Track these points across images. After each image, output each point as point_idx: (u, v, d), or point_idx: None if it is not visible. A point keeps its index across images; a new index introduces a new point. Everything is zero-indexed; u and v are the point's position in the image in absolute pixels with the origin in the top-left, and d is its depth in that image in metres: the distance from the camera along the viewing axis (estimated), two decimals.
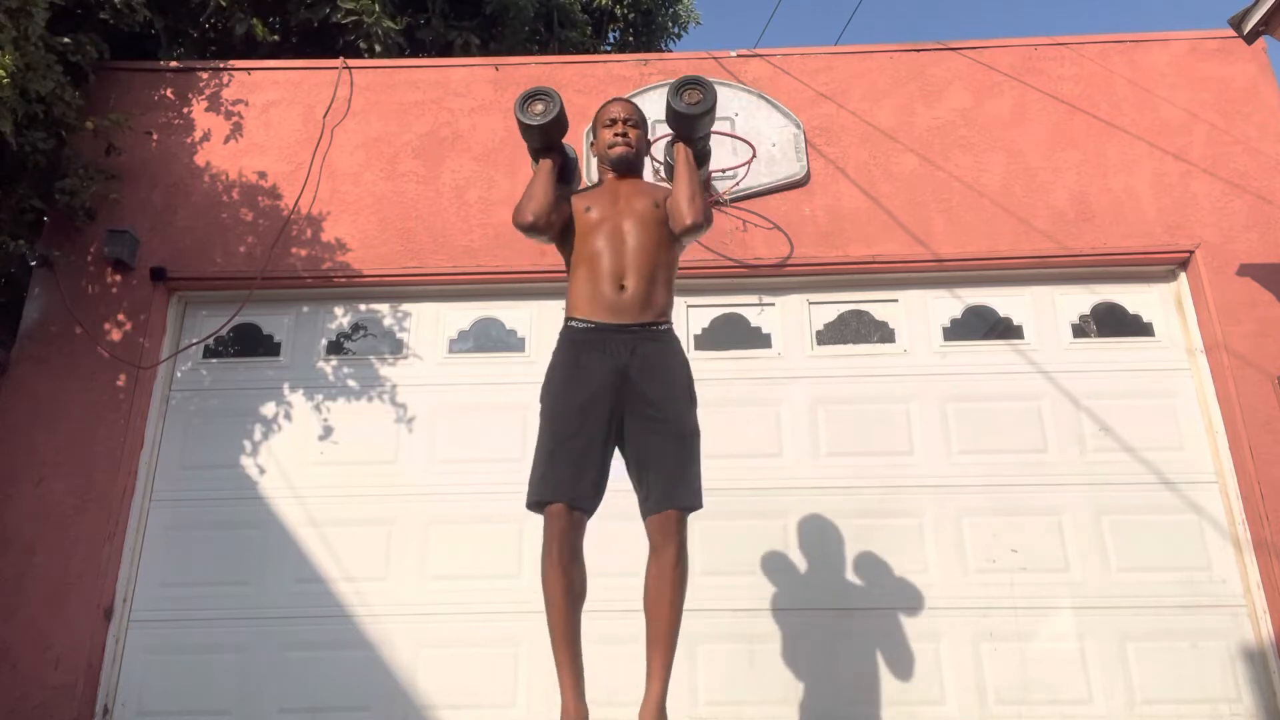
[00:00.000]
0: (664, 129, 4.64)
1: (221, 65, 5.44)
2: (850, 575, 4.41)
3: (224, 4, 6.18)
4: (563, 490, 2.75)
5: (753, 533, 4.48)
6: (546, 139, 3.05)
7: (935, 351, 4.84)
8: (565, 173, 3.10)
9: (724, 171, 4.96)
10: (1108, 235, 4.85)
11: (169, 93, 5.33)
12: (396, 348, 4.97)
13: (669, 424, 2.82)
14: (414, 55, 7.08)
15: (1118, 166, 4.99)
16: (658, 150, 3.82)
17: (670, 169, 3.07)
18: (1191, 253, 4.77)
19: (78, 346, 4.73)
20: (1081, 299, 4.92)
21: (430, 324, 5.00)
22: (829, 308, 4.98)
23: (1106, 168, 4.99)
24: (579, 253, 2.98)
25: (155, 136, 5.21)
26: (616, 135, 3.12)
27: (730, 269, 4.89)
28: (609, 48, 9.37)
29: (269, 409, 4.80)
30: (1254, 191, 4.86)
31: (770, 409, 4.75)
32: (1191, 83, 5.16)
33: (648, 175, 3.61)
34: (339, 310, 5.02)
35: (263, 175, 5.13)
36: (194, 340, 4.93)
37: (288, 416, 4.80)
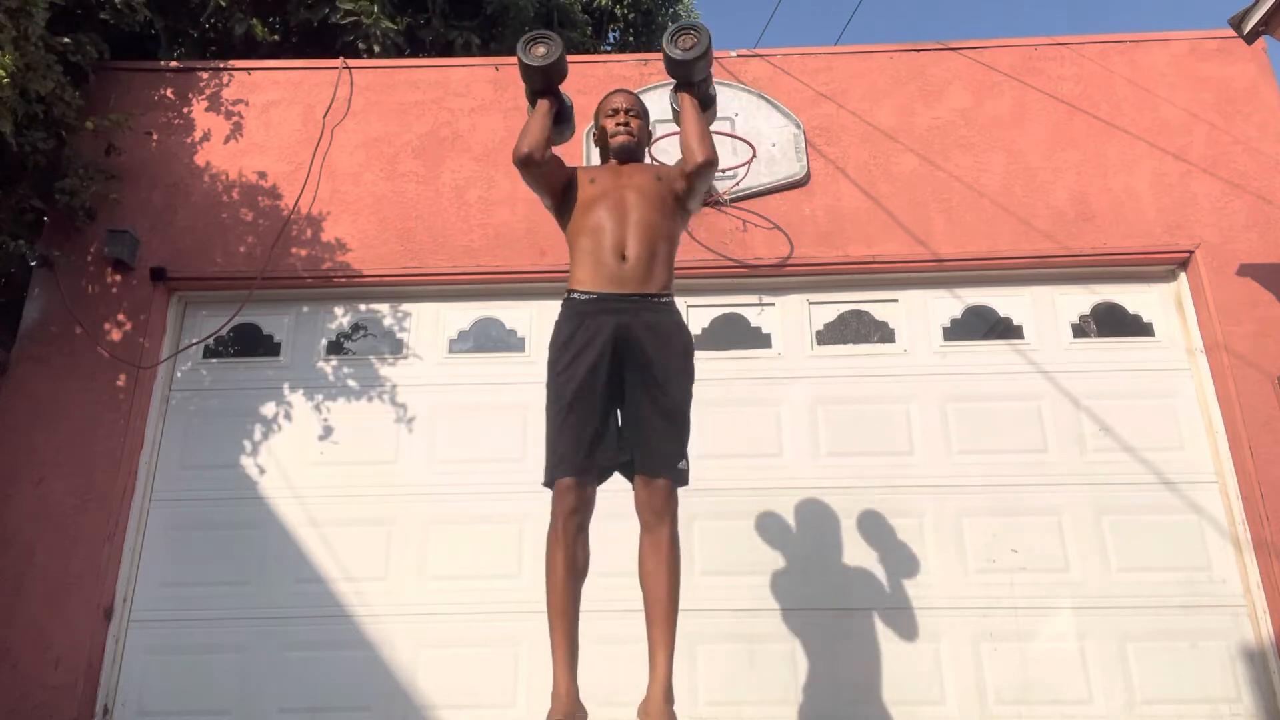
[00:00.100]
0: (664, 129, 4.67)
1: (221, 65, 5.44)
2: (850, 575, 4.41)
3: (224, 4, 6.18)
4: (571, 465, 2.76)
5: (753, 533, 4.48)
6: (546, 81, 3.08)
7: (935, 351, 4.84)
8: (561, 117, 3.13)
9: (724, 171, 4.95)
10: (1108, 235, 4.85)
11: (169, 93, 5.33)
12: (396, 348, 4.97)
13: (667, 393, 2.85)
14: (414, 55, 7.08)
15: (1118, 166, 4.99)
16: (661, 156, 3.83)
17: (677, 115, 3.11)
18: (1191, 253, 4.77)
19: (78, 346, 4.73)
20: (1081, 299, 4.92)
21: (430, 324, 5.00)
22: (829, 308, 4.98)
23: (1106, 168, 4.99)
24: (581, 224, 2.99)
25: (155, 136, 5.21)
26: (619, 124, 3.16)
27: (730, 269, 4.89)
28: (609, 48, 9.37)
29: (269, 409, 4.80)
30: (1254, 191, 4.86)
31: (770, 409, 4.75)
32: (1191, 83, 5.16)
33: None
34: (339, 310, 5.02)
35: (263, 175, 5.13)
36: (194, 340, 4.93)
37: (288, 416, 4.80)
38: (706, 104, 3.12)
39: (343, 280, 4.94)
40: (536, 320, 4.95)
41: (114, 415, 4.60)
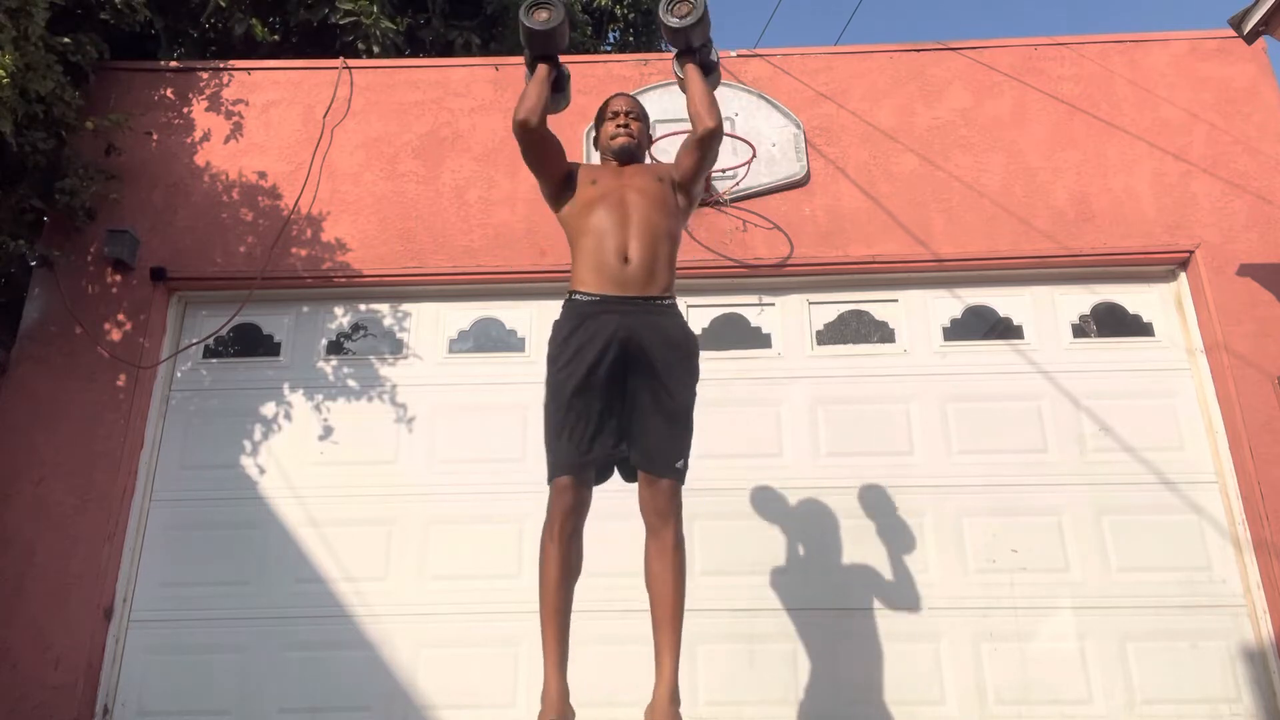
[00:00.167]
0: (664, 128, 4.67)
1: (221, 65, 5.44)
2: (850, 575, 4.41)
3: (224, 4, 6.18)
4: (568, 464, 2.76)
5: (753, 533, 4.48)
6: (545, 46, 3.09)
7: (935, 351, 4.84)
8: (558, 85, 3.15)
9: (724, 171, 4.96)
10: (1108, 235, 4.85)
11: (169, 93, 5.33)
12: (396, 348, 4.97)
13: (671, 395, 2.85)
14: (414, 55, 7.07)
15: (1118, 166, 4.99)
16: (661, 155, 3.83)
17: (682, 83, 3.12)
18: (1191, 253, 4.77)
19: (78, 346, 4.73)
20: (1081, 299, 4.92)
21: (430, 324, 5.00)
22: (829, 308, 4.98)
23: (1106, 168, 4.99)
24: (583, 225, 2.99)
25: (155, 136, 5.21)
26: (619, 127, 3.17)
27: (730, 269, 4.89)
28: (609, 48, 9.38)
29: (269, 409, 4.80)
30: (1254, 191, 4.86)
31: (770, 409, 4.75)
32: (1191, 83, 5.16)
33: None
34: (339, 310, 5.02)
35: (263, 175, 5.13)
36: (194, 340, 4.93)
37: (288, 416, 4.80)
38: (709, 69, 3.12)
39: (343, 280, 4.94)
40: (536, 320, 4.95)
41: (114, 415, 4.60)
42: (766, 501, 4.53)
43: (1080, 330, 4.88)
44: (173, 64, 5.60)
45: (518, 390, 4.73)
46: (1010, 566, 4.40)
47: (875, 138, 5.14)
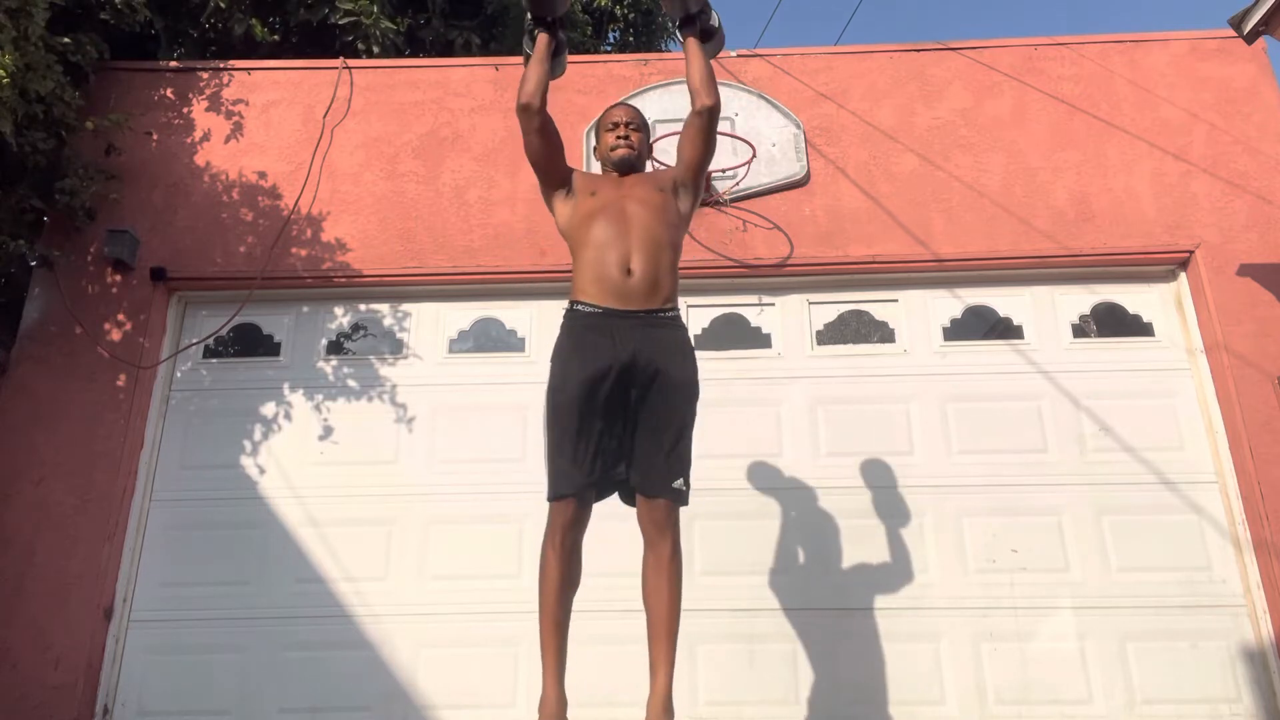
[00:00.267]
0: (664, 128, 4.67)
1: (221, 65, 5.44)
2: (850, 575, 4.41)
3: (223, 4, 6.18)
4: (568, 483, 2.76)
5: (753, 533, 4.48)
6: (547, 6, 3.09)
7: (935, 351, 4.84)
8: (555, 52, 3.16)
9: (724, 171, 4.96)
10: (1108, 235, 4.85)
11: (169, 93, 5.33)
12: (396, 348, 4.97)
13: (669, 413, 2.84)
14: (414, 55, 7.07)
15: (1118, 166, 4.99)
16: (661, 155, 3.82)
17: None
18: (1191, 253, 4.77)
19: (78, 346, 4.73)
20: (1081, 299, 4.92)
21: (430, 324, 5.00)
22: (829, 308, 4.98)
23: (1106, 168, 4.99)
24: (583, 235, 2.98)
25: (155, 136, 5.21)
26: (619, 138, 3.16)
27: (730, 269, 4.89)
28: (609, 48, 9.38)
29: (269, 409, 4.80)
30: (1254, 191, 4.86)
31: (770, 409, 4.75)
32: (1191, 83, 5.16)
33: None
34: (339, 310, 5.02)
35: (263, 175, 5.13)
36: (194, 340, 4.93)
37: (288, 416, 4.80)
38: (709, 35, 3.13)
39: (343, 280, 4.94)
40: (536, 320, 4.95)
41: (114, 415, 4.60)
42: (766, 501, 4.53)
43: (1080, 330, 4.88)
44: (173, 64, 5.60)
45: (518, 390, 4.73)
46: (1010, 566, 4.40)
47: (875, 138, 5.14)
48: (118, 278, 4.88)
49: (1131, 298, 4.92)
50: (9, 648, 4.22)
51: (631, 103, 3.63)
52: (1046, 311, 4.89)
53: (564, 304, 3.02)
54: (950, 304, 4.94)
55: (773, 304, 4.99)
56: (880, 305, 4.98)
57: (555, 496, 2.79)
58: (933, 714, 4.20)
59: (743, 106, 5.17)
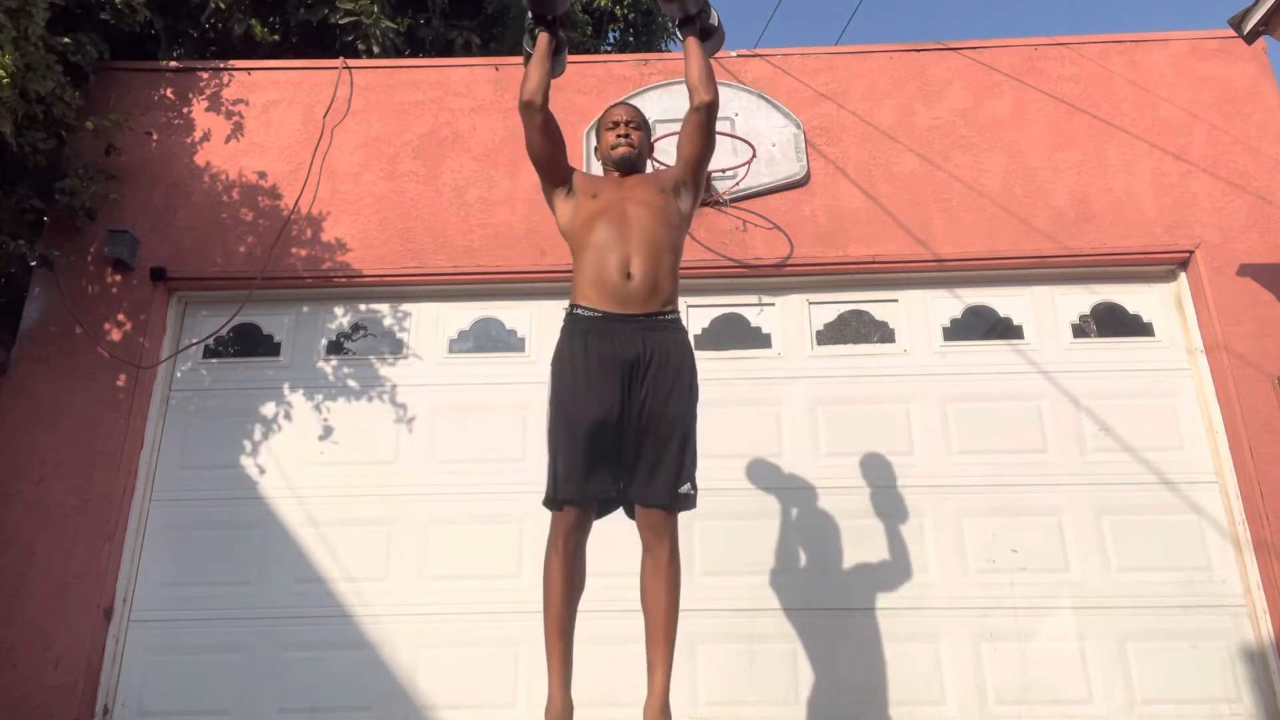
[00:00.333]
0: (664, 128, 4.67)
1: (221, 65, 5.44)
2: (850, 575, 4.41)
3: (223, 5, 6.17)
4: (568, 491, 2.76)
5: (753, 533, 4.48)
6: (547, 5, 3.10)
7: (935, 351, 4.84)
8: (556, 50, 3.17)
9: (724, 171, 4.96)
10: (1108, 235, 4.85)
11: (169, 93, 5.33)
12: (396, 348, 4.97)
13: (669, 420, 2.83)
14: (414, 55, 7.07)
15: (1118, 166, 4.99)
16: (661, 155, 3.82)
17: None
18: (1191, 253, 4.77)
19: (78, 346, 4.73)
20: (1081, 299, 4.92)
21: (430, 324, 5.00)
22: (829, 308, 4.98)
23: (1106, 168, 4.99)
24: (583, 238, 2.98)
25: (155, 136, 5.21)
26: (619, 137, 3.16)
27: (730, 269, 4.89)
28: (609, 48, 9.37)
29: (269, 409, 4.80)
30: (1254, 191, 4.86)
31: (770, 409, 4.75)
32: (1191, 83, 5.16)
33: None
34: (339, 310, 5.02)
35: (263, 175, 5.13)
36: (194, 340, 4.93)
37: (288, 416, 4.80)
38: (709, 33, 3.13)
39: (343, 280, 4.94)
40: (536, 320, 4.95)
41: (114, 415, 4.60)
42: (766, 501, 4.54)
43: (1080, 330, 4.88)
44: (173, 64, 5.60)
45: (518, 390, 4.74)
46: (1010, 566, 4.40)
47: (875, 138, 5.14)
48: (118, 278, 4.88)
49: (1131, 298, 4.92)
50: (9, 648, 4.22)
51: (631, 102, 3.63)
52: (1046, 311, 4.89)
53: (564, 304, 3.03)
54: (950, 304, 4.94)
55: (773, 304, 4.99)
56: (880, 305, 4.98)
57: (556, 503, 2.79)
58: (933, 714, 4.20)
59: (743, 106, 5.17)
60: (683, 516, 2.91)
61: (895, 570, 4.41)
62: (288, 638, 4.40)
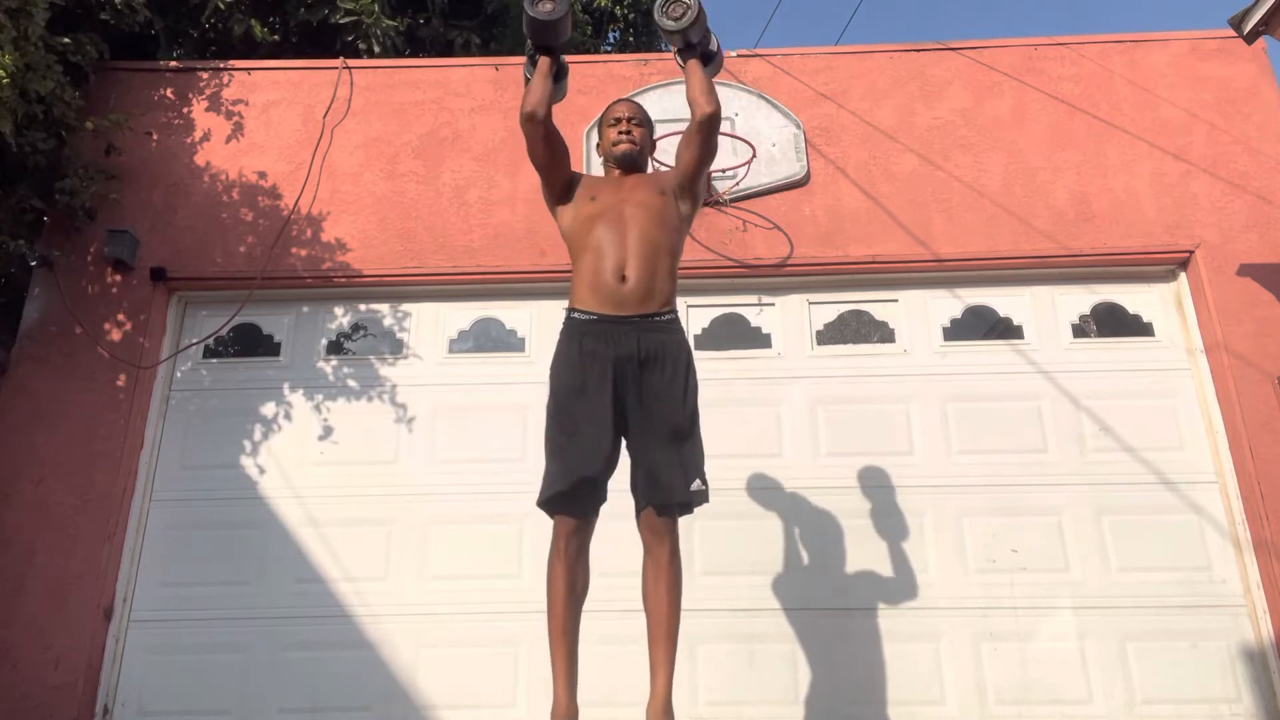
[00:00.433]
0: (664, 128, 4.67)
1: (221, 65, 5.44)
2: (850, 575, 4.41)
3: (223, 5, 6.17)
4: (567, 493, 2.76)
5: (753, 533, 4.48)
6: (548, 37, 3.09)
7: (935, 351, 4.84)
8: (557, 75, 3.16)
9: (724, 171, 4.96)
10: (1108, 235, 4.85)
11: (169, 93, 5.33)
12: (396, 348, 4.97)
13: (664, 420, 2.83)
14: (414, 55, 7.07)
15: (1118, 166, 4.99)
16: (662, 155, 3.82)
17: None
18: (1191, 253, 4.77)
19: (78, 346, 4.73)
20: (1081, 299, 4.92)
21: (430, 324, 5.00)
22: (829, 308, 4.98)
23: (1106, 168, 4.99)
24: (581, 242, 2.99)
25: (155, 136, 5.21)
26: (621, 133, 3.17)
27: (730, 269, 4.89)
28: (609, 48, 9.37)
29: (269, 409, 4.80)
30: (1254, 191, 4.86)
31: (770, 409, 4.75)
32: (1191, 83, 5.16)
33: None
34: (339, 310, 5.02)
35: (263, 175, 5.13)
36: (194, 340, 4.93)
37: (288, 416, 4.80)
38: (708, 59, 3.13)
39: (343, 280, 4.94)
40: (536, 320, 4.95)
41: (114, 415, 4.60)
42: (766, 501, 4.53)
43: (1080, 330, 4.88)
44: (173, 64, 5.60)
45: (518, 390, 4.74)
46: (1010, 566, 4.40)
47: (875, 138, 5.14)
48: (118, 278, 4.88)
49: (1131, 298, 4.92)
50: (9, 648, 4.22)
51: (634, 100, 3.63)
52: (1046, 311, 4.89)
53: (564, 304, 3.03)
54: (950, 304, 4.94)
55: (773, 304, 4.99)
56: (880, 305, 4.98)
57: (551, 507, 2.79)
58: (933, 714, 4.20)
59: (743, 106, 5.17)
60: (683, 517, 2.91)
61: (895, 570, 4.41)
62: (288, 638, 4.40)
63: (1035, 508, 4.50)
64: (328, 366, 4.90)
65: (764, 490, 4.55)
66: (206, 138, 5.23)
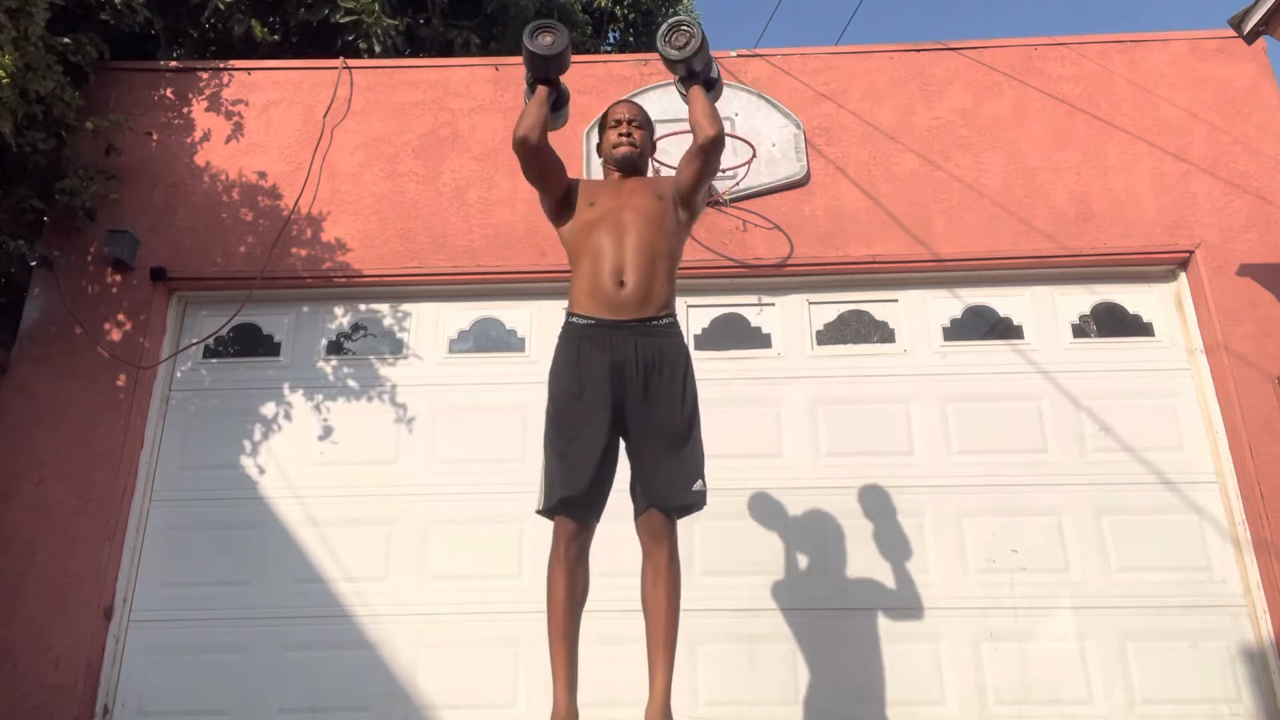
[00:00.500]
0: (664, 128, 4.67)
1: (221, 65, 5.44)
2: (850, 575, 4.41)
3: (223, 5, 6.18)
4: (565, 498, 2.77)
5: (753, 533, 4.48)
6: (547, 70, 3.08)
7: (935, 351, 4.84)
8: (558, 104, 3.15)
9: (724, 171, 4.95)
10: (1108, 235, 4.85)
11: (169, 93, 5.33)
12: (396, 348, 4.97)
13: (663, 423, 2.83)
14: (414, 54, 7.07)
15: (1118, 166, 4.99)
16: (662, 155, 3.82)
17: (684, 95, 3.12)
18: (1191, 253, 4.77)
19: (78, 346, 4.73)
20: (1081, 299, 4.92)
21: (430, 324, 5.00)
22: (829, 308, 4.98)
23: (1106, 168, 4.99)
24: (580, 247, 2.99)
25: (155, 136, 5.21)
26: (621, 135, 3.16)
27: (730, 269, 4.89)
28: (609, 48, 9.37)
29: (269, 409, 4.80)
30: (1254, 191, 4.86)
31: (770, 409, 4.75)
32: (1191, 83, 5.16)
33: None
34: (339, 310, 5.02)
35: (263, 175, 5.13)
36: (194, 340, 4.93)
37: (288, 416, 4.80)
38: (710, 86, 3.12)
39: (343, 280, 4.94)
40: (536, 320, 4.95)
41: (114, 415, 4.60)
42: (766, 501, 4.53)
43: (1080, 330, 4.88)
44: (173, 64, 5.60)
45: (518, 390, 4.73)
46: (1010, 566, 4.40)
47: (875, 138, 5.14)
48: (118, 278, 4.88)
49: (1131, 298, 4.92)
50: (9, 648, 4.22)
51: (634, 100, 3.63)
52: (1046, 311, 4.89)
53: (564, 304, 3.03)
54: (950, 304, 4.94)
55: (773, 304, 4.99)
56: (880, 305, 4.98)
57: (549, 512, 2.80)
58: (933, 714, 4.20)
59: (743, 106, 5.17)
60: (682, 519, 2.91)
61: (895, 570, 4.41)
62: (288, 638, 4.40)
63: (1035, 508, 4.50)
64: (328, 366, 4.90)
65: (764, 490, 4.55)
66: (206, 138, 5.23)
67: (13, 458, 4.53)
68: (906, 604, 4.35)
